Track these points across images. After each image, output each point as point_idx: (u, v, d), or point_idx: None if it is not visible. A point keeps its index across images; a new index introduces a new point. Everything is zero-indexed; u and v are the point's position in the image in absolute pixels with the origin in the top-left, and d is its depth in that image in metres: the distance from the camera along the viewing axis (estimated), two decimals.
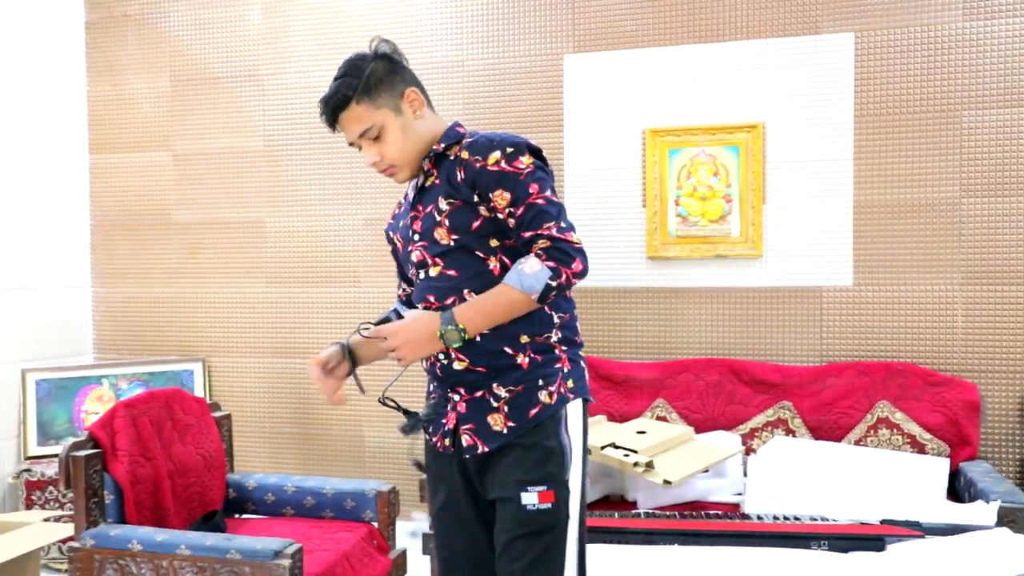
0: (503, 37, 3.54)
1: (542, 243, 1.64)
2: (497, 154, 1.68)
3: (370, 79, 1.73)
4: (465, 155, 1.72)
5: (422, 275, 1.80)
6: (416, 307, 1.80)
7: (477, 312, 1.66)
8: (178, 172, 3.93)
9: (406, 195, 1.93)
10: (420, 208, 1.80)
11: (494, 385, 1.72)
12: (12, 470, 3.57)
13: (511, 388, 1.71)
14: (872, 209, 3.22)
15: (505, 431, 1.71)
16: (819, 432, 3.07)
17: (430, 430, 1.84)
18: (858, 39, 3.21)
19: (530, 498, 1.68)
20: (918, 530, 2.29)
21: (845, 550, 2.24)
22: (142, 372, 3.81)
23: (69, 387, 3.74)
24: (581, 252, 1.66)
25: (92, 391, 3.75)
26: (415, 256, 1.80)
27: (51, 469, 3.42)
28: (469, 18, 3.57)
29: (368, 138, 1.75)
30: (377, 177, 3.63)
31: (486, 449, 1.72)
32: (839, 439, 3.03)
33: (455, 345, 1.67)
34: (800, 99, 3.27)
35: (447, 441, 1.78)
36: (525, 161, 1.69)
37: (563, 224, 1.66)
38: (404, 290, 2.04)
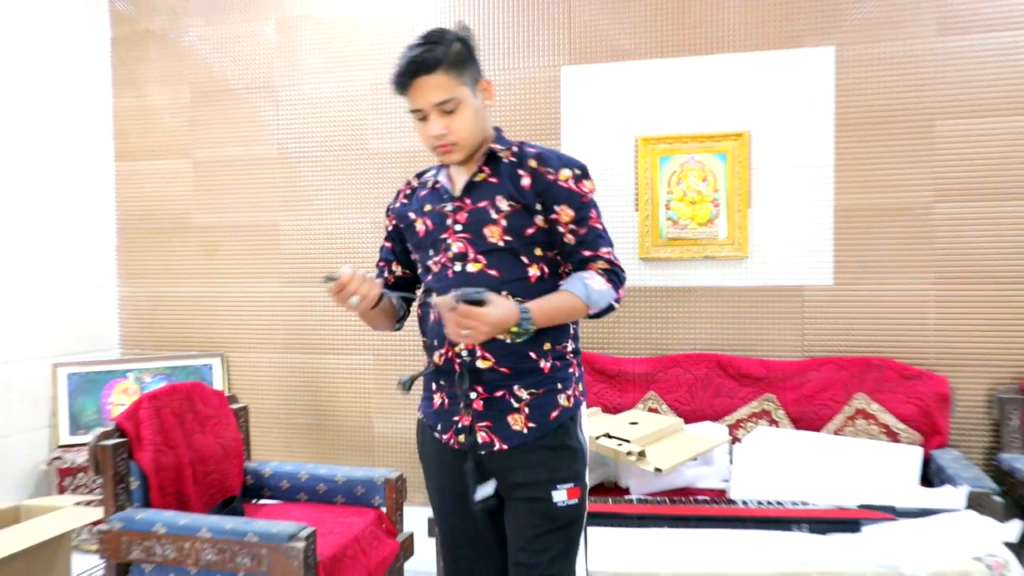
0: (504, 50, 3.56)
1: (601, 264, 1.70)
2: (568, 172, 1.69)
3: (459, 54, 1.69)
4: (533, 163, 1.70)
5: (457, 267, 1.71)
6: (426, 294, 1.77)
7: (545, 314, 1.63)
8: (197, 178, 3.96)
9: (429, 179, 1.84)
10: (467, 201, 1.72)
11: (515, 386, 1.68)
12: (45, 458, 3.60)
13: (532, 391, 1.69)
14: (852, 213, 3.23)
15: (526, 431, 1.68)
16: (800, 423, 3.08)
17: (439, 427, 1.77)
18: (839, 53, 3.22)
19: (560, 495, 1.67)
20: (892, 513, 2.31)
21: (824, 532, 2.25)
22: (165, 366, 3.82)
23: (97, 380, 3.75)
24: (625, 282, 1.73)
25: (118, 384, 3.77)
26: (456, 247, 1.71)
27: (81, 457, 3.44)
28: (472, 32, 3.59)
29: (442, 109, 1.67)
30: (383, 182, 3.70)
31: (504, 447, 1.68)
32: (819, 429, 3.05)
33: (518, 341, 1.63)
34: (784, 109, 3.27)
35: (461, 438, 1.72)
36: (588, 185, 1.72)
37: (615, 253, 1.73)
38: (392, 272, 1.93)
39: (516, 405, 1.68)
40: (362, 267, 3.91)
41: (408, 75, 1.66)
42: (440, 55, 1.65)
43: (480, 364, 1.68)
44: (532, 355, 1.69)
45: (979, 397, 3.12)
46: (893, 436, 2.96)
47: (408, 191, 1.88)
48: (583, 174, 1.72)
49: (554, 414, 1.69)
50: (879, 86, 3.20)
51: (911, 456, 2.74)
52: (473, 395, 1.70)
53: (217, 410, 2.80)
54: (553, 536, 1.68)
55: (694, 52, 3.36)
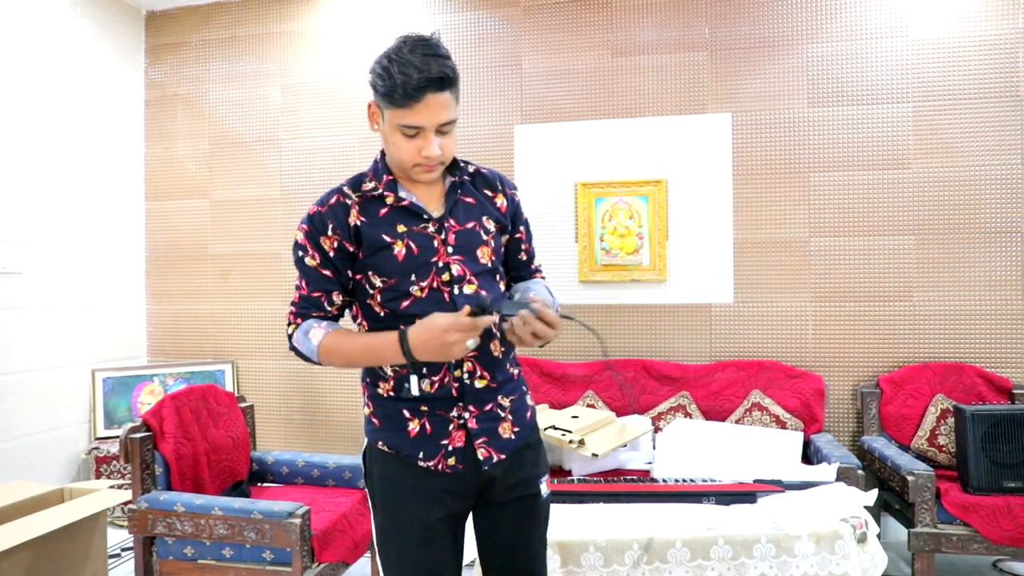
0: (467, 111, 3.56)
1: (541, 275, 1.58)
2: (518, 193, 1.51)
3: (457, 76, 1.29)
4: (500, 185, 1.46)
5: (456, 291, 1.35)
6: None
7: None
8: (213, 215, 3.92)
9: (376, 194, 1.37)
10: (452, 221, 1.38)
11: (499, 397, 1.41)
12: (85, 448, 3.55)
13: (511, 397, 1.43)
14: (747, 245, 3.28)
15: (513, 437, 1.41)
16: (709, 414, 3.10)
17: (422, 455, 1.37)
18: (735, 118, 3.29)
19: (544, 488, 1.46)
20: (780, 486, 2.31)
21: (727, 503, 2.23)
22: (185, 371, 3.78)
23: (128, 383, 3.70)
24: None
25: (145, 386, 3.72)
26: (455, 269, 1.35)
27: (114, 448, 3.40)
28: None
29: (442, 129, 1.29)
30: None
31: (502, 457, 1.39)
32: (724, 419, 3.06)
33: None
34: (693, 161, 3.31)
35: (451, 461, 1.36)
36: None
37: None
38: (333, 304, 1.40)
39: (503, 414, 1.41)
40: None
41: (422, 89, 1.22)
42: (455, 71, 1.26)
43: (478, 384, 1.38)
44: (509, 365, 1.44)
45: (846, 392, 3.18)
46: (781, 424, 2.98)
47: (357, 207, 1.36)
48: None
49: (528, 415, 1.47)
50: (766, 145, 3.27)
51: (794, 440, 2.76)
52: (467, 414, 1.37)
53: (228, 408, 2.77)
54: (541, 528, 1.48)
55: (622, 115, 3.41)
